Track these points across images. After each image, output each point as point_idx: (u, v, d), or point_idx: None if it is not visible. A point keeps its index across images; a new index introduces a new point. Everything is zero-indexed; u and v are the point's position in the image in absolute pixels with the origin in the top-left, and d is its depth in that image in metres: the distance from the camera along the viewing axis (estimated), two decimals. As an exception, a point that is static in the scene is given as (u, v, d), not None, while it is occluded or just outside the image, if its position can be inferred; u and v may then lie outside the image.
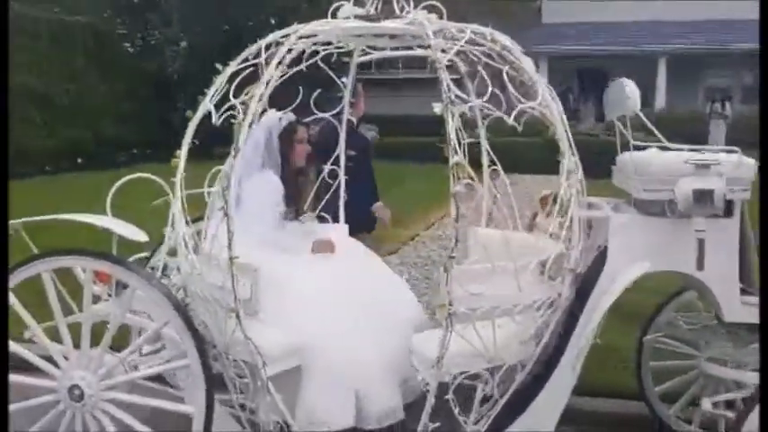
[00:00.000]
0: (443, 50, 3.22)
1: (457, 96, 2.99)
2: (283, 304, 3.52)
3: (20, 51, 17.38)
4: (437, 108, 2.97)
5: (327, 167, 4.68)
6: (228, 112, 3.42)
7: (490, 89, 3.11)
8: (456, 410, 3.14)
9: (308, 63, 4.14)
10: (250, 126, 3.59)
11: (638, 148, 3.30)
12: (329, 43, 4.10)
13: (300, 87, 4.29)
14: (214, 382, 3.24)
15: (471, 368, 3.16)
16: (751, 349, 3.38)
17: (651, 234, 3.15)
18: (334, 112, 4.59)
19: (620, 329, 4.53)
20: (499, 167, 4.35)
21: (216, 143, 5.63)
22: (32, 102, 17.81)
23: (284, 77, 4.17)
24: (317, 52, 4.14)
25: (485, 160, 4.42)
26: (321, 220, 4.79)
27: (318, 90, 4.41)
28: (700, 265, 3.04)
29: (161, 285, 3.27)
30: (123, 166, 14.63)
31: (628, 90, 3.08)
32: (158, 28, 21.07)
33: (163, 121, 18.15)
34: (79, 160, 18.13)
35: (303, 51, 4.10)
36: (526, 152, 12.49)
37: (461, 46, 3.20)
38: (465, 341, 3.08)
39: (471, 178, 2.95)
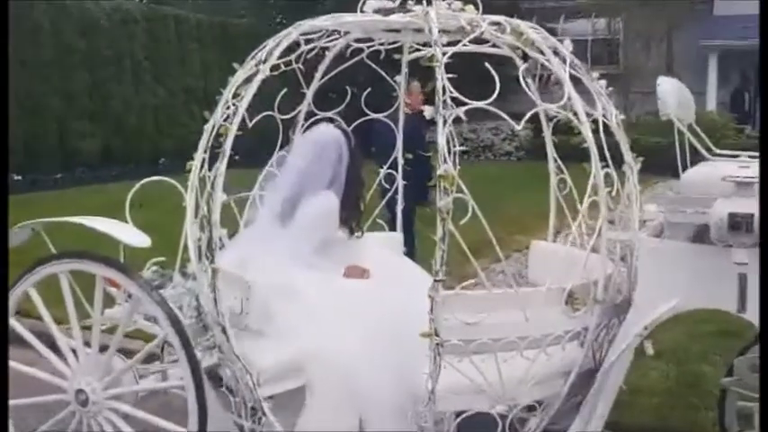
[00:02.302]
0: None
1: (453, 99, 2.64)
2: (295, 321, 3.31)
3: (190, 55, 18.49)
4: (428, 112, 2.64)
5: (384, 171, 4.40)
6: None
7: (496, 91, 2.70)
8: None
9: (354, 60, 3.95)
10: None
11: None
12: (371, 40, 3.86)
13: (347, 88, 4.08)
14: (205, 399, 3.09)
15: (471, 406, 2.81)
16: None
17: (687, 264, 2.63)
18: (387, 113, 4.32)
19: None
20: (567, 176, 3.92)
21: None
22: (196, 102, 18.83)
23: (325, 79, 4.02)
24: (361, 50, 3.92)
25: (551, 167, 4.00)
26: (377, 226, 4.55)
27: (368, 89, 4.17)
28: (741, 306, 2.48)
29: (157, 296, 3.16)
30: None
31: (659, 90, 2.59)
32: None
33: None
34: (237, 157, 18.93)
35: (346, 49, 3.91)
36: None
37: (464, 44, 2.83)
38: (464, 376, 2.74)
39: (461, 191, 2.59)
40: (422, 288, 2.86)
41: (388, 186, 4.40)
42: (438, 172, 2.58)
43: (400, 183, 4.39)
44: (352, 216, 3.77)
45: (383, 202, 4.51)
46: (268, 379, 3.13)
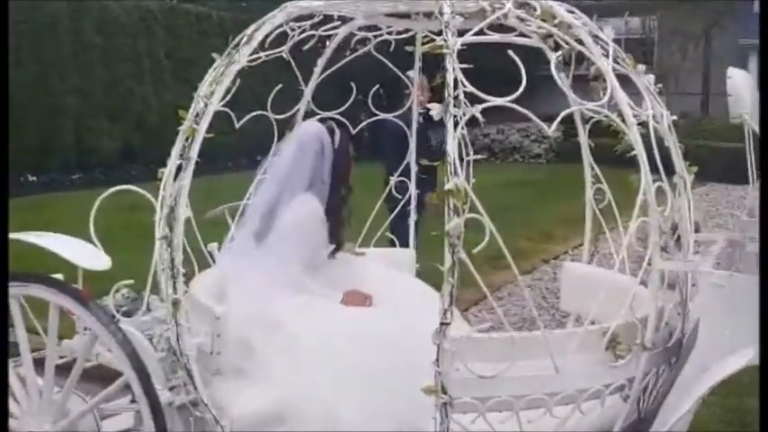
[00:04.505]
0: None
1: (467, 95, 2.10)
2: (278, 359, 2.78)
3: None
4: (435, 111, 2.11)
5: (394, 179, 3.88)
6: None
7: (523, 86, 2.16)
8: None
9: (361, 51, 3.47)
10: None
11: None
12: (377, 28, 3.36)
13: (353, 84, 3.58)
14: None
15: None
16: None
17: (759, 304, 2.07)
18: (398, 113, 3.80)
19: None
20: (605, 186, 3.39)
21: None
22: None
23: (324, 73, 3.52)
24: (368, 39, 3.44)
25: (587, 175, 3.47)
26: (390, 242, 4.06)
27: (377, 86, 3.67)
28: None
29: (116, 330, 2.66)
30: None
31: (730, 85, 2.04)
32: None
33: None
34: (259, 157, 18.48)
35: (349, 38, 3.42)
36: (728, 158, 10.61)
37: (484, 30, 2.29)
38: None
39: (477, 212, 2.05)
40: (434, 320, 2.32)
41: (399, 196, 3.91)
42: (447, 186, 2.04)
43: (413, 191, 3.89)
44: (340, 226, 3.19)
45: (393, 213, 4.02)
46: (244, 429, 2.62)
